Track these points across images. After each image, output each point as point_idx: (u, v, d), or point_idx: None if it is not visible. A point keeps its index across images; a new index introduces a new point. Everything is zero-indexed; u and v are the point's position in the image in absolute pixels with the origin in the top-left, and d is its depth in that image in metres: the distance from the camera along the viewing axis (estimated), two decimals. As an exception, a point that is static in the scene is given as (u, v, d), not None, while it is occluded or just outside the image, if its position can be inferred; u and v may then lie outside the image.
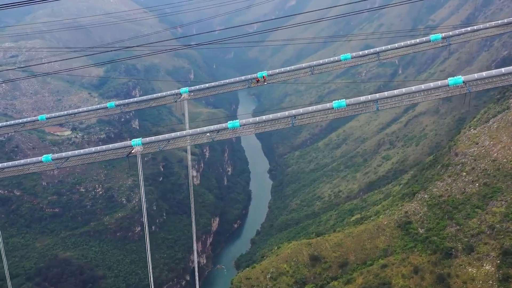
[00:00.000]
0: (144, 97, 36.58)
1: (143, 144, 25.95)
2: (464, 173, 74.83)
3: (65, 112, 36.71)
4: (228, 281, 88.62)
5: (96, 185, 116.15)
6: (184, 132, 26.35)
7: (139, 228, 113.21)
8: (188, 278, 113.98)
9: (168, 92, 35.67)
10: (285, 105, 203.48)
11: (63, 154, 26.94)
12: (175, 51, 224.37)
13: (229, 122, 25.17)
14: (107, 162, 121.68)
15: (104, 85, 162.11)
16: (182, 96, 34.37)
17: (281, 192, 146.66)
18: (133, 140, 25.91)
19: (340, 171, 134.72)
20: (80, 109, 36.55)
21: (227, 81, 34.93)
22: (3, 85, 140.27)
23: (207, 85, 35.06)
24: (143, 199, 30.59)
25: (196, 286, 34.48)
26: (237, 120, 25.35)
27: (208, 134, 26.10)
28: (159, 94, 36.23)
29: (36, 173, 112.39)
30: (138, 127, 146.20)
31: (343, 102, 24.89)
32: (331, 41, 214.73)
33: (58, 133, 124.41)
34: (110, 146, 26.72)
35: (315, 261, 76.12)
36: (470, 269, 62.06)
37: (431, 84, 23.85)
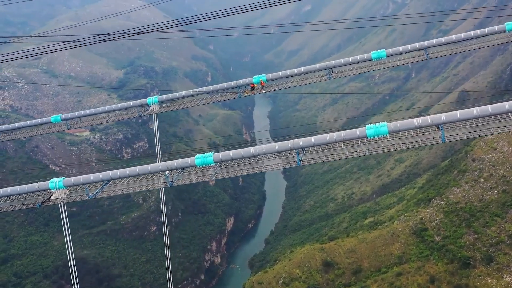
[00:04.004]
0: (100, 109, 28.60)
1: (66, 187, 17.31)
2: (482, 180, 73.05)
3: (3, 127, 29.34)
4: (242, 281, 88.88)
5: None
6: (127, 171, 17.47)
7: (155, 228, 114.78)
8: (202, 277, 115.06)
9: (131, 103, 27.79)
10: (300, 107, 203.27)
11: None
12: (193, 54, 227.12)
13: (196, 156, 16.87)
14: (124, 161, 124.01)
15: (123, 87, 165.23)
16: (151, 107, 26.84)
17: (295, 193, 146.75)
18: (51, 180, 17.47)
19: (353, 173, 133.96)
20: (22, 123, 29.53)
21: (210, 88, 27.36)
22: (25, 86, 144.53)
23: (183, 93, 27.50)
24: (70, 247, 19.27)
25: None
26: (211, 153, 17.41)
27: (167, 172, 17.33)
28: (119, 105, 28.28)
29: (55, 172, 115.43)
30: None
31: (384, 127, 15.20)
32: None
33: (77, 134, 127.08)
34: (18, 189, 18.04)
35: (328, 267, 75.40)
36: (489, 280, 60.20)
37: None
